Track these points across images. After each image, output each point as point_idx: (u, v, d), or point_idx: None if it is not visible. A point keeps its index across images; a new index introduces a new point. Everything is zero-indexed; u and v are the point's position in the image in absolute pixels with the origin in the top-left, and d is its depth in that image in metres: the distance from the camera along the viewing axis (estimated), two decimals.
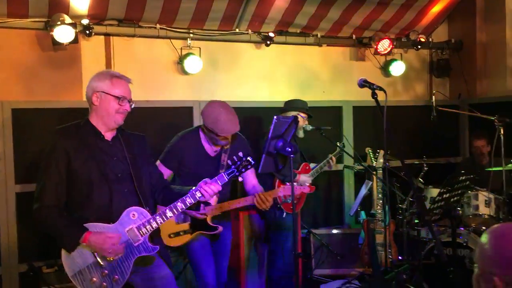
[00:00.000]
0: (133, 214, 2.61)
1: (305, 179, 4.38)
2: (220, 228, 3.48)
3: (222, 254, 3.71)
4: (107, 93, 2.61)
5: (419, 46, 6.00)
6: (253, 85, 5.39)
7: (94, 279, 2.56)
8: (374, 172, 4.78)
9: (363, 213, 5.24)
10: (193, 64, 4.91)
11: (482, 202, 4.51)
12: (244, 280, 4.58)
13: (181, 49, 4.95)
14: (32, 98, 4.44)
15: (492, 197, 4.49)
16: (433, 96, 4.88)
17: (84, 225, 2.56)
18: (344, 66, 5.85)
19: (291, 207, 3.01)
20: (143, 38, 4.84)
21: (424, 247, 4.40)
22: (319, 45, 5.63)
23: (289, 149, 2.77)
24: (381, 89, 2.87)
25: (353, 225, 5.57)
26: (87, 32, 4.46)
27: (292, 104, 4.46)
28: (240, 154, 2.75)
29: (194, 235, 3.43)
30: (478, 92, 6.10)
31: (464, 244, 4.20)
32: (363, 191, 5.05)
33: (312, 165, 4.75)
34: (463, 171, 4.43)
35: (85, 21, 4.44)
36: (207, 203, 3.00)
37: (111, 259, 2.57)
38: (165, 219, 2.66)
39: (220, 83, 5.22)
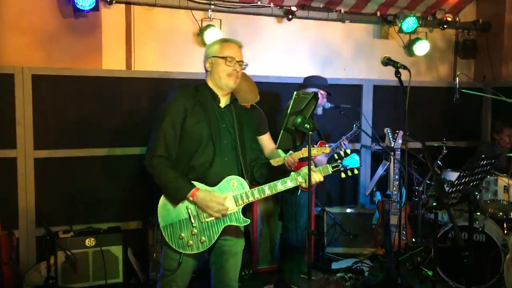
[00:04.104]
0: (233, 183, 2.67)
1: (321, 159, 4.35)
2: None
3: None
4: (216, 57, 2.75)
5: (445, 26, 5.82)
6: (273, 59, 5.31)
7: (183, 235, 2.62)
8: (392, 153, 4.73)
9: (378, 194, 5.21)
10: (213, 36, 4.84)
11: (501, 188, 4.46)
12: (256, 255, 4.61)
13: (202, 20, 4.88)
14: (52, 64, 4.44)
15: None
16: (457, 78, 4.75)
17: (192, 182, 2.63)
18: (367, 43, 5.73)
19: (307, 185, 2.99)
20: (163, 8, 4.78)
21: (439, 230, 4.37)
22: (342, 21, 5.50)
23: (308, 126, 2.72)
24: (405, 68, 2.80)
25: (367, 205, 5.54)
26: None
27: (312, 81, 4.40)
28: (348, 150, 2.82)
29: None
30: (503, 75, 5.93)
31: (480, 229, 4.15)
32: (380, 171, 5.00)
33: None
34: (483, 156, 4.34)
35: None
36: None
37: (206, 220, 2.62)
38: (262, 195, 2.69)
39: None
